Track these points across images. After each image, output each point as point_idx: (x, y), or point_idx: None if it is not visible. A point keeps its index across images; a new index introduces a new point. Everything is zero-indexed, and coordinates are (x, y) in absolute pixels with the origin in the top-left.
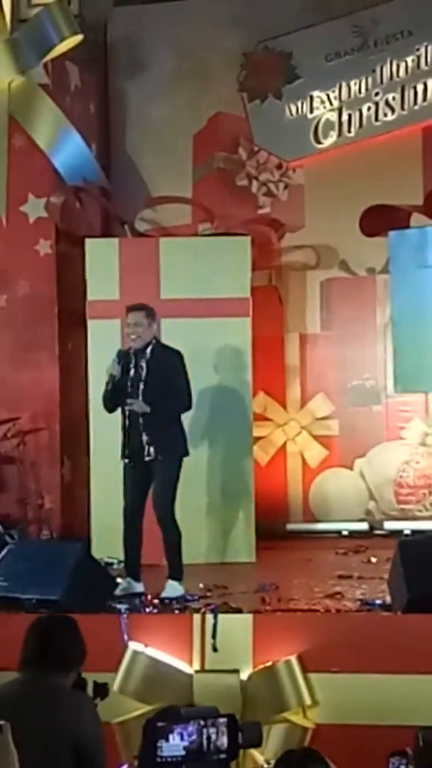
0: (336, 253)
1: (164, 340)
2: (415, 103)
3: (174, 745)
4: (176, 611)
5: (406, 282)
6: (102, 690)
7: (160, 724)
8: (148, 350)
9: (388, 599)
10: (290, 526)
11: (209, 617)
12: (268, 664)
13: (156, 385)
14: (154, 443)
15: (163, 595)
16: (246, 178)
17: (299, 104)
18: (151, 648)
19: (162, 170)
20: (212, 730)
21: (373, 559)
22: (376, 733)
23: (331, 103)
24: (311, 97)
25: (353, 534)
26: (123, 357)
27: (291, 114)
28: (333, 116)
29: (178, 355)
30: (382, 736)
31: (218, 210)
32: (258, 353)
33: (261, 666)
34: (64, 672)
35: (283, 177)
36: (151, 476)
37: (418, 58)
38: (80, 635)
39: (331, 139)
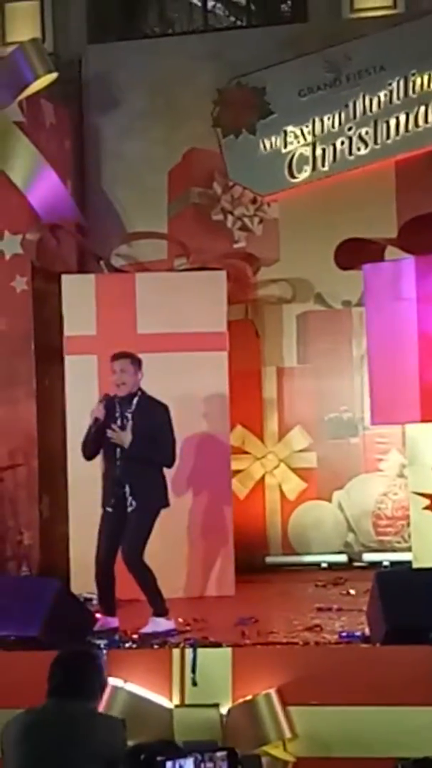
0: (311, 287)
1: None
2: (388, 137)
3: None
4: (155, 646)
5: (381, 314)
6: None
7: (159, 758)
8: (135, 400)
9: (367, 631)
10: (269, 559)
11: (188, 651)
12: (248, 697)
13: (142, 437)
14: (136, 493)
15: (145, 631)
16: (221, 213)
17: (273, 139)
18: (130, 683)
19: (137, 206)
20: (210, 765)
21: (352, 591)
22: (356, 765)
23: (304, 138)
24: (285, 132)
25: (332, 566)
26: (108, 402)
27: (265, 149)
28: (307, 151)
29: (164, 408)
30: None
31: (194, 245)
32: (235, 387)
33: (241, 700)
34: (91, 700)
35: (257, 211)
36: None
37: (390, 92)
38: (102, 668)
39: (305, 173)
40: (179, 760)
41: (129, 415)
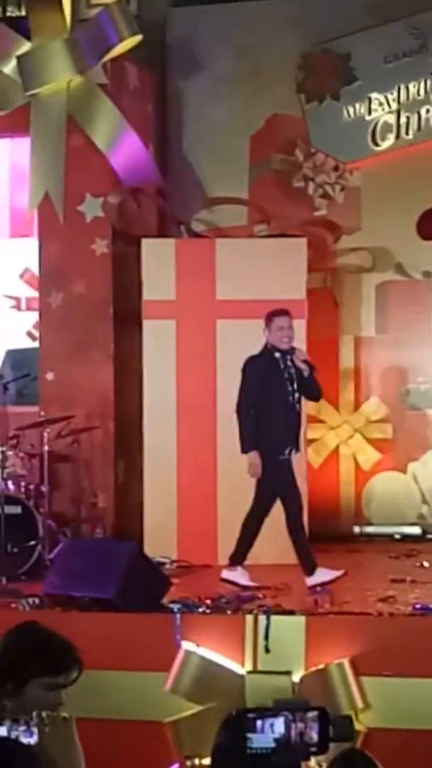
0: (392, 256)
1: (219, 341)
2: None
3: (264, 737)
4: (229, 612)
5: None
6: None
7: (250, 715)
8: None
9: None
10: (342, 529)
11: (262, 618)
12: (321, 666)
13: (302, 385)
14: (293, 440)
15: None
16: (302, 180)
17: (357, 106)
18: (203, 648)
19: (218, 171)
20: (300, 725)
21: (426, 564)
22: (428, 737)
23: (389, 105)
24: (369, 99)
25: (405, 538)
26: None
27: (349, 116)
28: (391, 118)
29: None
30: None
31: (274, 211)
32: (312, 355)
33: (313, 668)
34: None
35: (339, 179)
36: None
37: None
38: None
39: (389, 141)
40: (269, 719)
41: (291, 365)
